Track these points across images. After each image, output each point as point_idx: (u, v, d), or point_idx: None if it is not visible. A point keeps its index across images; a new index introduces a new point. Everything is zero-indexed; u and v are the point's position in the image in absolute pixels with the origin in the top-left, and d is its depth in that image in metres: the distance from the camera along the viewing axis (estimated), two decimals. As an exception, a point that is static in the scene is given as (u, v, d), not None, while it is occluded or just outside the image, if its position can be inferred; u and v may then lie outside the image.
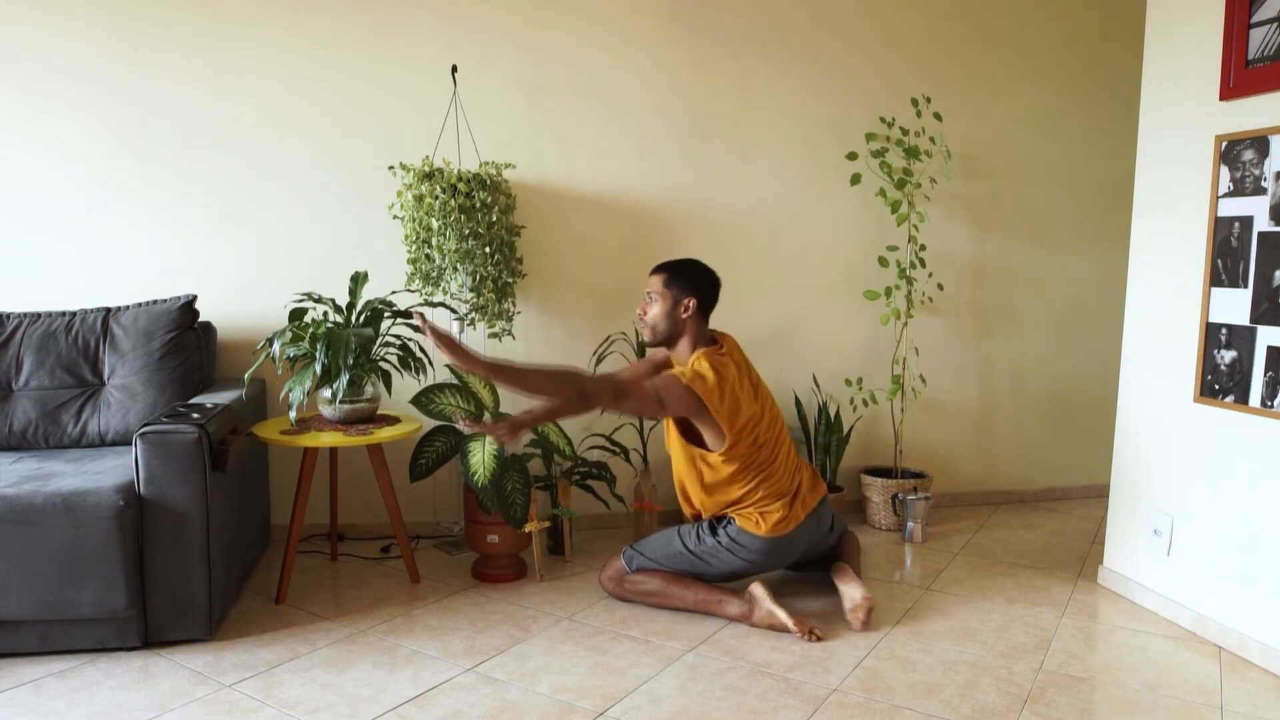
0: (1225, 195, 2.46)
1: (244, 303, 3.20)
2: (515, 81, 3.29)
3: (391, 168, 3.08)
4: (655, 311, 2.63)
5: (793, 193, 3.56)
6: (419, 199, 2.91)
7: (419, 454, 2.87)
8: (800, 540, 2.68)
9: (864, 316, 3.62)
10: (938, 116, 3.52)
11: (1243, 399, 2.42)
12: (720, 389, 2.50)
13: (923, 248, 3.54)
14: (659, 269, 2.68)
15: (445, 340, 2.30)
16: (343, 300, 2.88)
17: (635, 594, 2.71)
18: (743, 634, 2.53)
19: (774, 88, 3.50)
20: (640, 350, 3.32)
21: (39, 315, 2.91)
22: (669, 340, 2.65)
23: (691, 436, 2.63)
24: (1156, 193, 2.74)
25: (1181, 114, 2.62)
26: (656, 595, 2.68)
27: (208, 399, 2.71)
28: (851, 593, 2.62)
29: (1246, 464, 2.42)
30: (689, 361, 2.58)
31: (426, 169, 2.95)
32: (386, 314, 2.86)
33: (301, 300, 2.84)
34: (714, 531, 2.66)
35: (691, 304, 2.61)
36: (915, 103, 3.50)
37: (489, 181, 2.98)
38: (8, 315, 2.90)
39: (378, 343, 2.83)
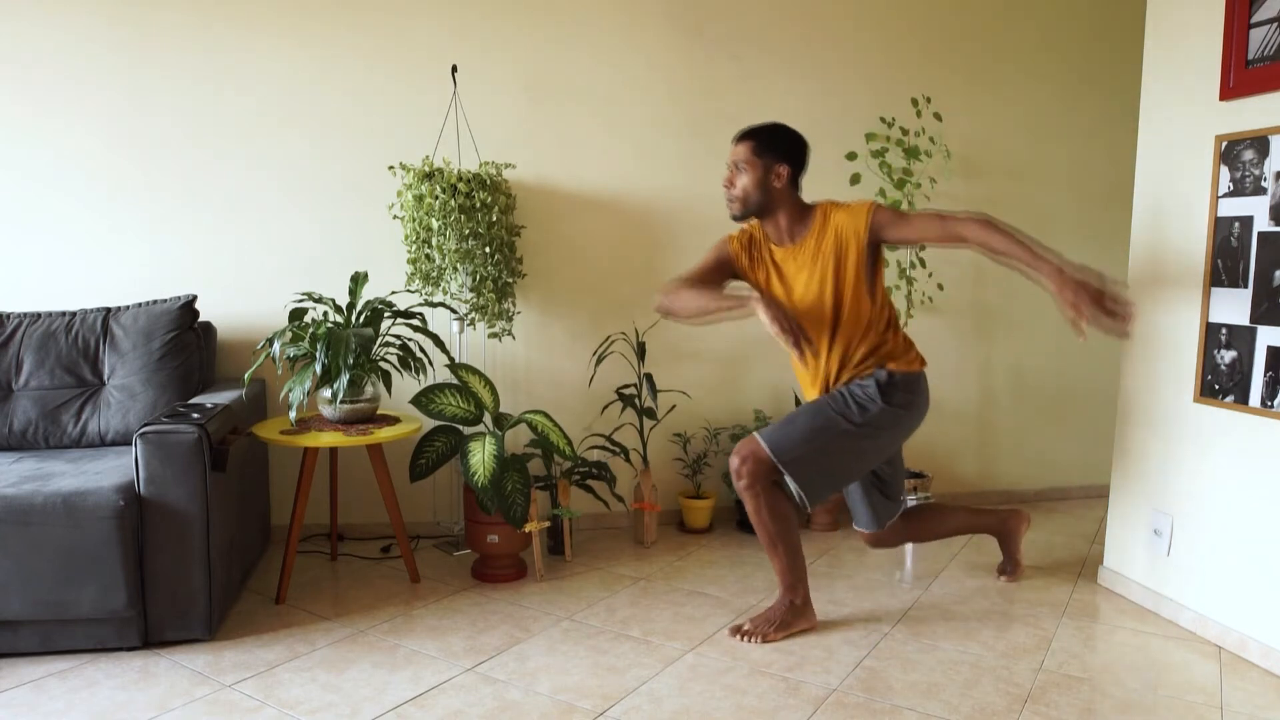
0: (1225, 195, 2.46)
1: (244, 303, 3.20)
2: (515, 81, 3.29)
3: (391, 168, 3.08)
4: (745, 181, 2.45)
5: (793, 193, 3.56)
6: (419, 199, 2.91)
7: (419, 454, 2.87)
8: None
9: (864, 316, 3.62)
10: (938, 116, 3.52)
11: (1243, 399, 2.42)
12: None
13: (923, 248, 3.54)
14: (745, 136, 2.49)
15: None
16: (343, 300, 2.88)
17: (761, 504, 2.46)
18: (743, 634, 2.53)
19: (773, 88, 3.50)
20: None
21: (39, 315, 2.91)
22: (762, 212, 2.49)
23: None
24: (1156, 193, 2.74)
25: (1181, 114, 2.62)
26: (767, 523, 2.47)
27: (208, 399, 2.71)
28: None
29: (1246, 464, 2.42)
30: (837, 207, 2.45)
31: (426, 169, 2.95)
32: (386, 314, 2.86)
33: (301, 300, 2.84)
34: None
35: (784, 172, 2.44)
36: (915, 103, 3.50)
37: (489, 181, 2.98)
38: (8, 315, 2.90)
39: (378, 343, 2.83)
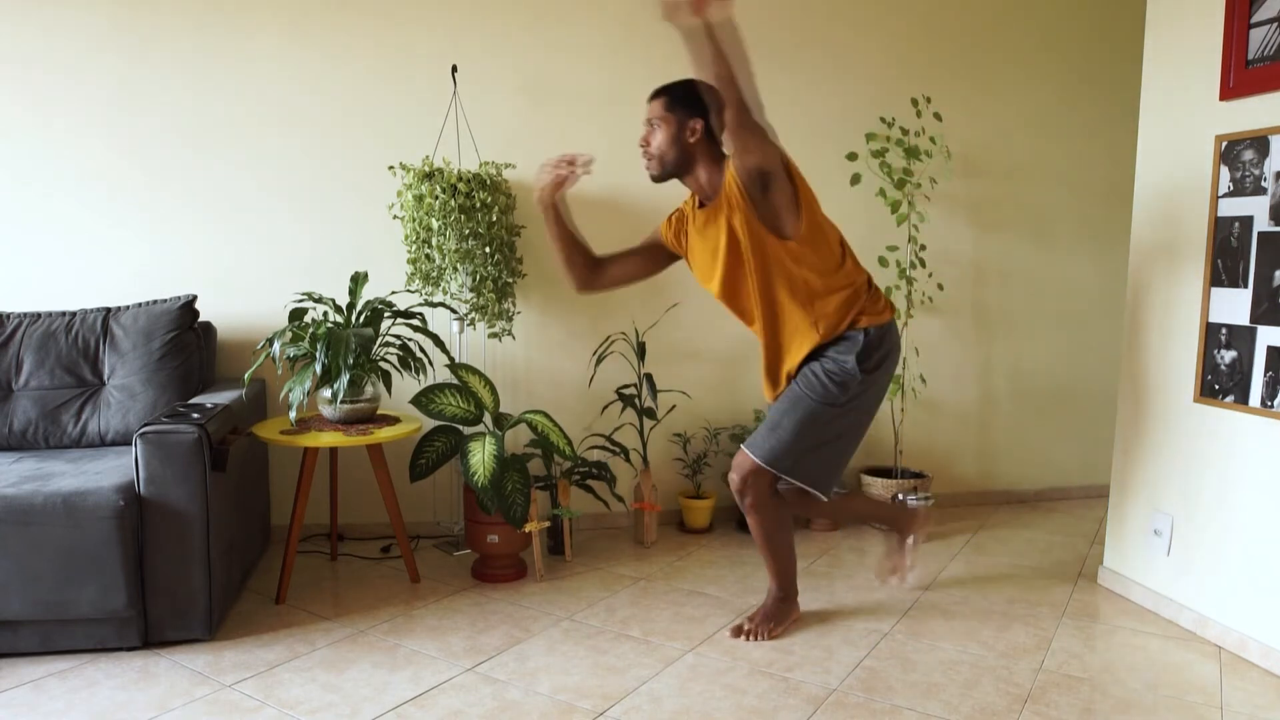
0: (1225, 195, 2.46)
1: (244, 303, 3.20)
2: (515, 81, 3.29)
3: (391, 168, 3.08)
4: (660, 139, 2.37)
5: (793, 193, 3.55)
6: (419, 199, 2.91)
7: (419, 454, 2.87)
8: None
9: (864, 316, 3.62)
10: (938, 116, 3.52)
11: (1243, 399, 2.42)
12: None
13: (923, 248, 3.54)
14: (657, 93, 2.41)
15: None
16: (343, 300, 2.88)
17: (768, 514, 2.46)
18: (743, 634, 2.53)
19: (773, 88, 3.47)
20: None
21: (39, 315, 2.91)
22: (680, 170, 2.40)
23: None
24: (1156, 193, 2.74)
25: (1181, 114, 2.62)
26: (771, 534, 2.49)
27: (208, 399, 2.71)
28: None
29: (1246, 464, 2.42)
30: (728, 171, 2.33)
31: (426, 169, 2.95)
32: (386, 314, 2.86)
33: (301, 300, 2.85)
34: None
35: (699, 126, 2.34)
36: (915, 103, 3.50)
37: (489, 181, 2.98)
38: (8, 315, 2.90)
39: (378, 343, 2.83)
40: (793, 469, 2.37)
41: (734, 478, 2.43)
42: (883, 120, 3.52)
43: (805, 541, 3.33)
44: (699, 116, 2.36)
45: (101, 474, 2.37)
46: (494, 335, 3.15)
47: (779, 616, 2.54)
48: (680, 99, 2.37)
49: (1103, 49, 3.75)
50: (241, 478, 2.73)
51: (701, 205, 2.44)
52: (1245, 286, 2.40)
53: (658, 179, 2.44)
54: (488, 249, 2.96)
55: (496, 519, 2.82)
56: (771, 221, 2.30)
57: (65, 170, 3.07)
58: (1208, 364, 2.53)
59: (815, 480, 2.41)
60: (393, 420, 2.89)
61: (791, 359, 2.41)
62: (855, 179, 3.41)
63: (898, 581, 2.85)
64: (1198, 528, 2.58)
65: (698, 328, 3.51)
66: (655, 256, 2.56)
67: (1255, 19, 2.36)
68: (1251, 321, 2.39)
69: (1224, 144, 2.46)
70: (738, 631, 2.51)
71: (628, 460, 3.38)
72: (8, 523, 2.19)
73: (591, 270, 2.54)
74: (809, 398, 2.36)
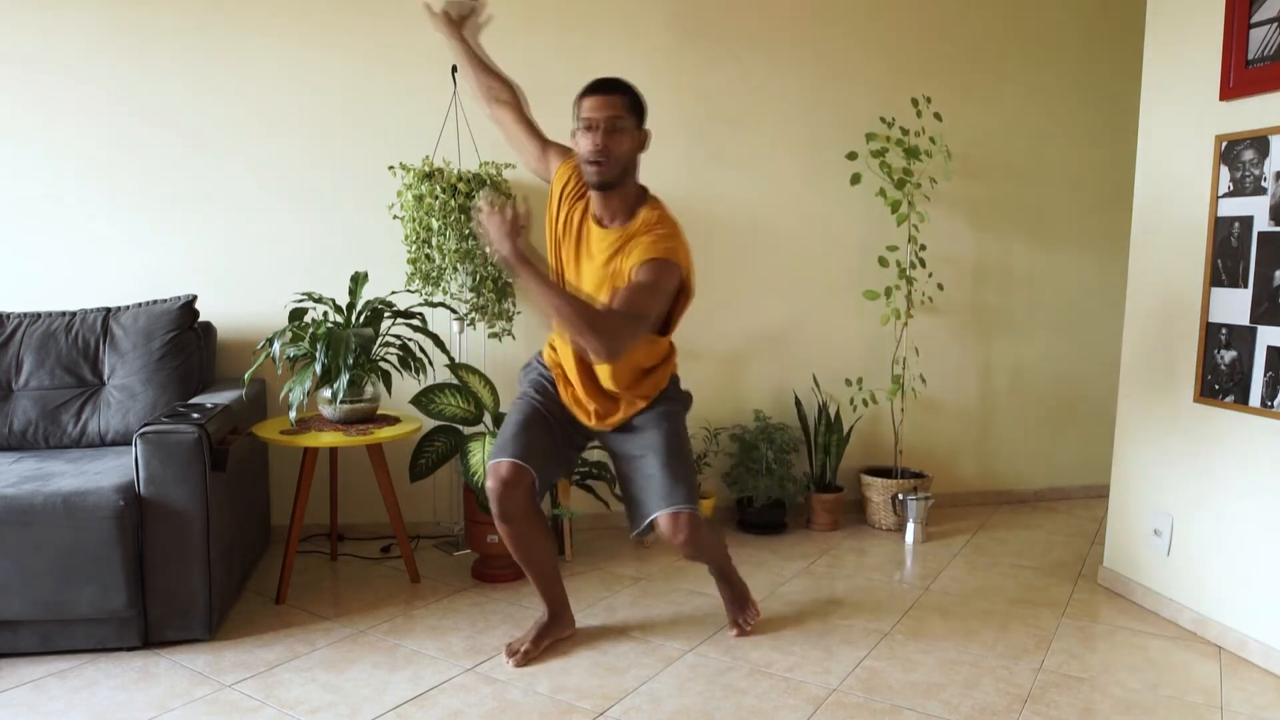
0: (1225, 195, 2.46)
1: (244, 303, 3.20)
2: (515, 81, 3.28)
3: (391, 168, 3.08)
4: (626, 148, 2.05)
5: (793, 193, 3.56)
6: (419, 199, 2.91)
7: (419, 454, 2.87)
8: None
9: (864, 316, 3.62)
10: (938, 116, 3.52)
11: (1243, 399, 2.42)
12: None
13: (923, 248, 3.54)
14: (613, 89, 2.06)
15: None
16: (343, 300, 2.88)
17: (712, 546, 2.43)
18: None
19: (773, 87, 3.50)
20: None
21: (39, 315, 2.91)
22: (619, 183, 2.09)
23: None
24: (1156, 193, 2.74)
25: (1181, 114, 2.62)
26: (720, 556, 2.50)
27: (208, 399, 2.71)
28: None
29: (1246, 464, 2.42)
30: (651, 227, 2.08)
31: (426, 169, 2.95)
32: (386, 314, 2.86)
33: (301, 300, 2.85)
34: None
35: (648, 139, 2.13)
36: (915, 103, 3.50)
37: (489, 181, 2.98)
38: (8, 315, 2.90)
39: (378, 343, 2.83)
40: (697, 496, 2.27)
41: (688, 550, 2.21)
42: (883, 120, 3.52)
43: (805, 541, 3.34)
44: (646, 127, 2.12)
45: (101, 474, 2.37)
46: (494, 335, 3.15)
47: (748, 600, 2.57)
48: (638, 104, 2.10)
49: (1103, 49, 3.75)
50: (241, 478, 2.73)
51: (599, 221, 2.19)
52: (1245, 286, 2.40)
53: (602, 188, 2.10)
54: (488, 249, 2.96)
55: (496, 519, 2.81)
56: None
57: (65, 170, 3.07)
58: (1208, 364, 2.53)
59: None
60: (393, 420, 2.89)
61: (620, 414, 2.30)
62: (855, 179, 3.41)
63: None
64: (1198, 528, 2.58)
65: (697, 328, 3.49)
66: (528, 145, 2.29)
67: (1255, 19, 2.36)
68: (1251, 321, 2.39)
69: (1224, 144, 2.46)
70: (734, 626, 2.53)
71: (628, 460, 3.37)
72: (8, 523, 2.19)
73: (489, 81, 2.41)
74: (679, 427, 2.29)
